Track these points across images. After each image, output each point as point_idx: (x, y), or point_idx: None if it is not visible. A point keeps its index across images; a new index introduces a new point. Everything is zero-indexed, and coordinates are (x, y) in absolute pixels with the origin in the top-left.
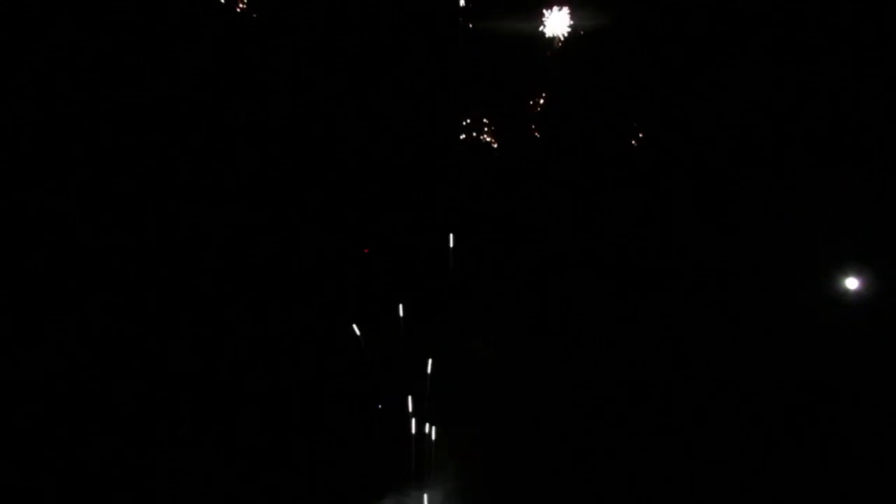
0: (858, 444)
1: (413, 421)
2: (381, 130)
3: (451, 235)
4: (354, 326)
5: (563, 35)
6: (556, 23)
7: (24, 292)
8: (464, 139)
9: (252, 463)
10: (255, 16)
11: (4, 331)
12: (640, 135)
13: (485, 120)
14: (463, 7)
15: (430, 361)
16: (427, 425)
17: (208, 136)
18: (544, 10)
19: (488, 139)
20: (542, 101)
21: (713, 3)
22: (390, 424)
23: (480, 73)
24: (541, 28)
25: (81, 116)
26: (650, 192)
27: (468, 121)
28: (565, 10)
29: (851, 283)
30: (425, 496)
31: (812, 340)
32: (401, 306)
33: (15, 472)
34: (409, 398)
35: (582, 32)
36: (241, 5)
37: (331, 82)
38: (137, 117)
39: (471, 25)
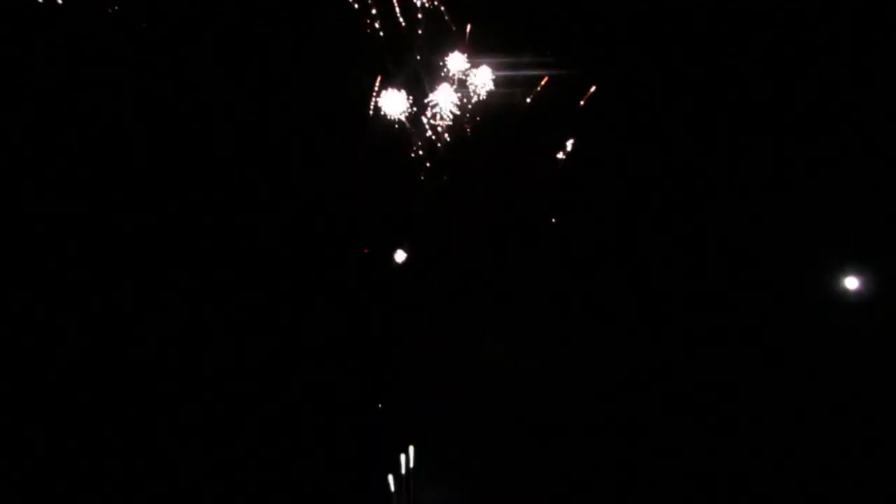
0: (858, 445)
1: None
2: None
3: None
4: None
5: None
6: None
7: (22, 291)
8: (464, 139)
9: (250, 463)
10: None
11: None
12: (637, 135)
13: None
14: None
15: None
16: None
17: (207, 135)
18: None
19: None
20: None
21: (713, 3)
22: (390, 426)
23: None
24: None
25: (79, 116)
26: (649, 192)
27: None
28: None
29: (851, 283)
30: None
31: (811, 340)
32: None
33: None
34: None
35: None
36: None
37: (331, 81)
38: (134, 116)
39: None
